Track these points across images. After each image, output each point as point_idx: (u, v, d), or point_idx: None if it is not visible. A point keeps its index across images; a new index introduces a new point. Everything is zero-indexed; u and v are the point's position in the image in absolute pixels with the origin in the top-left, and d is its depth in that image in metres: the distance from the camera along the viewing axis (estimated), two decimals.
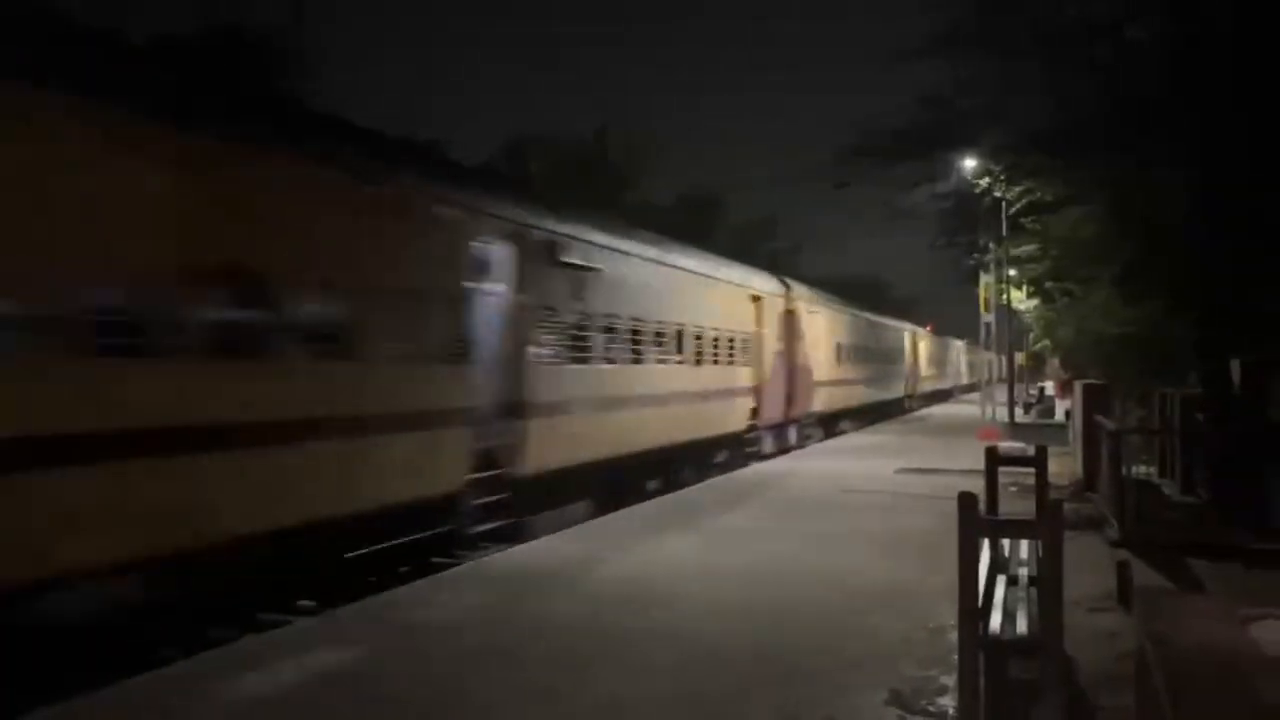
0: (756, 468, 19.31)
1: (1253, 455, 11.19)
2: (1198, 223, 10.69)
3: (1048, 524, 5.14)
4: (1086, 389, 16.98)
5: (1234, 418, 12.01)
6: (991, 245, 25.88)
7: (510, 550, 10.48)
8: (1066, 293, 20.59)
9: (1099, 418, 14.05)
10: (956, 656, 5.20)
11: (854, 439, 26.86)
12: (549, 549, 10.52)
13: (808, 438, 26.03)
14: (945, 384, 61.45)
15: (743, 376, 20.88)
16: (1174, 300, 12.66)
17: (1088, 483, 14.58)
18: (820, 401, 27.37)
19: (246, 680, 6.17)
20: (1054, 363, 40.31)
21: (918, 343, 49.03)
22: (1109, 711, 5.50)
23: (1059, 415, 29.27)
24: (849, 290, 42.81)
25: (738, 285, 21.17)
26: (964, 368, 74.03)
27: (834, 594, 8.40)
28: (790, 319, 24.37)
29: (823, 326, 27.95)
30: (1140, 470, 13.82)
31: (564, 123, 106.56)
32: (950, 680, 5.67)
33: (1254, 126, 9.09)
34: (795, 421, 24.90)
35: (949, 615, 5.54)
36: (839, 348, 30.03)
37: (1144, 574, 8.77)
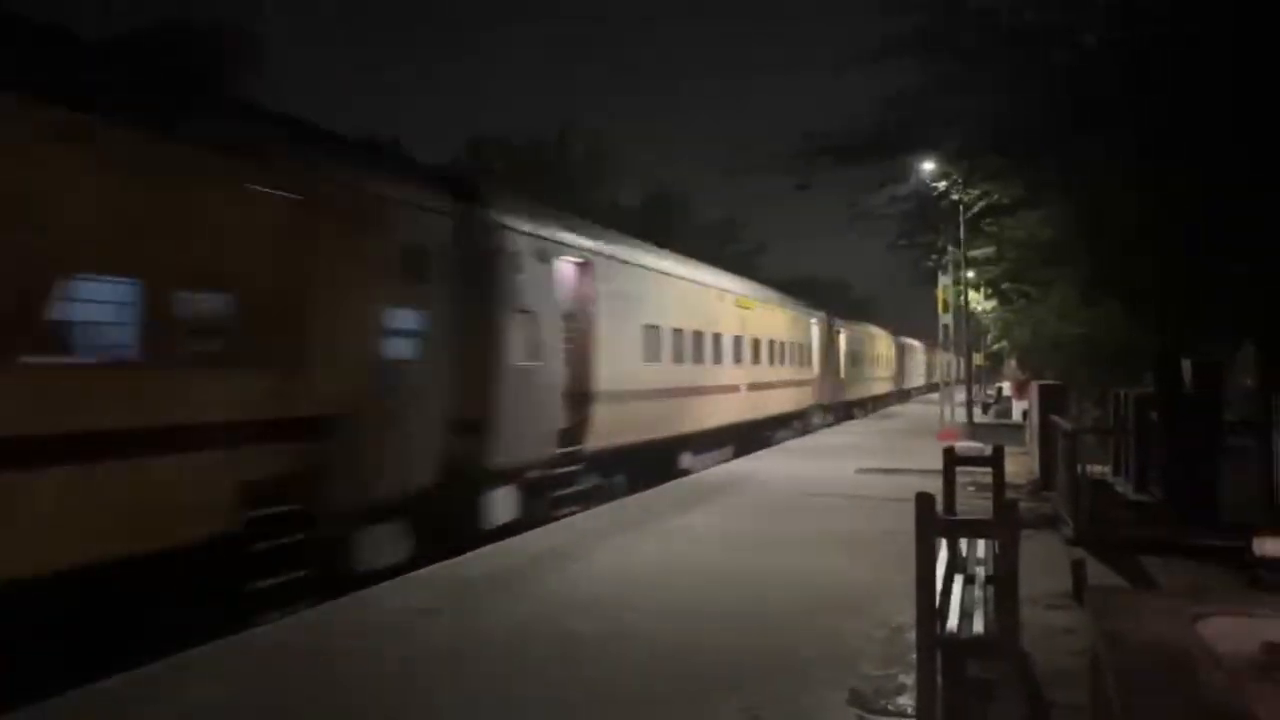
0: (725, 468, 19.29)
1: (1204, 454, 11.40)
2: (1160, 224, 10.87)
3: (1004, 524, 5.21)
4: (1042, 389, 17.23)
5: (1186, 417, 12.22)
6: (950, 247, 26.11)
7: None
8: (1023, 294, 20.82)
9: (1054, 418, 14.24)
10: (915, 656, 5.25)
11: (821, 439, 26.97)
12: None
13: (569, 507, 13.57)
14: (886, 388, 49.79)
15: (231, 400, 8.06)
16: (1133, 301, 12.85)
17: (1044, 482, 14.78)
18: (603, 431, 14.79)
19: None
20: (1011, 363, 40.51)
21: (837, 336, 36.27)
22: (1064, 708, 5.57)
23: (1016, 415, 29.66)
24: (809, 291, 41.76)
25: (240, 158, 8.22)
26: (921, 369, 72.58)
27: (794, 595, 8.44)
28: (491, 267, 11.96)
29: (614, 295, 15.52)
30: (1095, 469, 14.04)
31: (529, 123, 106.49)
32: (909, 679, 5.72)
33: (1253, 131, 9.21)
34: (515, 477, 12.40)
35: (908, 614, 5.58)
36: (658, 336, 17.65)
37: (1099, 572, 8.90)
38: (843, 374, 37.41)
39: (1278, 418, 7.80)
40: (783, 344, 27.64)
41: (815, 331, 32.55)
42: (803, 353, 30.43)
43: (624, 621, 7.57)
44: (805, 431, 29.29)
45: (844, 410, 37.43)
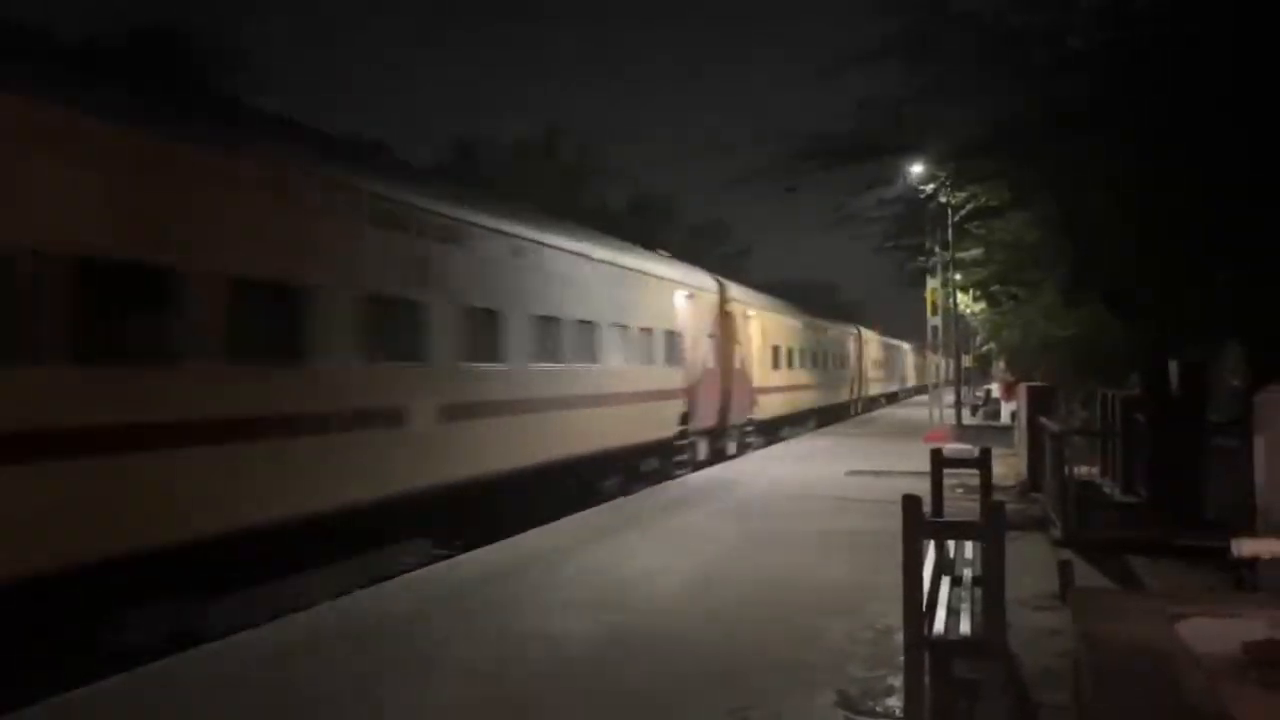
0: (707, 473, 19.34)
1: (1190, 455, 11.46)
2: (1132, 225, 10.95)
3: (989, 526, 5.24)
4: (1031, 391, 17.29)
5: (1172, 418, 12.28)
6: (937, 249, 26.21)
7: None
8: (1011, 296, 20.91)
9: (1042, 419, 14.30)
10: (903, 657, 5.28)
11: (809, 443, 26.97)
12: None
13: None
14: (843, 396, 39.32)
15: None
16: (1120, 302, 12.93)
17: (1032, 483, 14.83)
18: None
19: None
20: (1000, 365, 40.52)
21: (747, 322, 24.76)
22: (1050, 709, 5.61)
23: (1005, 417, 29.77)
24: (797, 294, 40.69)
25: None
26: (899, 371, 71.11)
27: (783, 596, 8.47)
28: None
29: None
30: (1083, 471, 14.10)
31: (517, 124, 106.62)
32: (897, 681, 5.75)
33: (1251, 131, 9.26)
34: None
35: (896, 616, 5.61)
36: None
37: (1086, 573, 8.94)
38: (758, 378, 25.47)
39: (1258, 417, 7.86)
40: (592, 328, 15.33)
41: (686, 310, 19.93)
42: (653, 344, 18.07)
43: (611, 621, 7.59)
44: (665, 476, 18.09)
45: (764, 430, 26.25)
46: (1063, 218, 13.20)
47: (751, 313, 25.27)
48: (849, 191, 17.31)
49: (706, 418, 20.92)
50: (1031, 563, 9.24)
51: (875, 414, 43.36)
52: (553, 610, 8.08)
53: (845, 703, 5.77)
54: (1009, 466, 16.93)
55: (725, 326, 22.69)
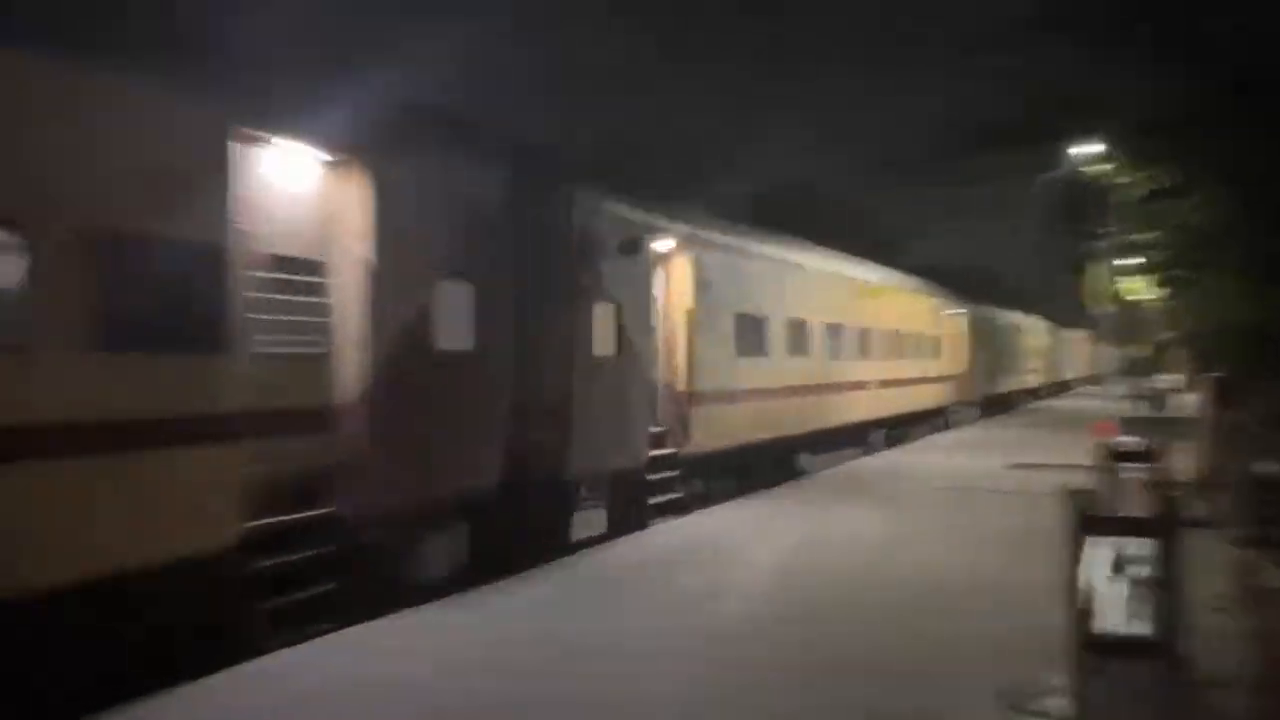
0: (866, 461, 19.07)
1: None
2: None
3: (1164, 523, 5.06)
4: (1212, 382, 16.44)
5: None
6: (1111, 232, 25.10)
7: None
8: (1192, 281, 19.86)
9: (1225, 412, 13.58)
10: (1068, 656, 5.16)
11: (964, 434, 26.30)
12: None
13: None
14: (929, 398, 27.30)
15: None
16: None
17: (1211, 479, 14.10)
18: None
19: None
20: (1178, 355, 38.25)
21: (645, 264, 12.47)
22: (1223, 713, 5.38)
23: (1182, 409, 28.34)
24: (957, 280, 36.36)
25: None
26: (1078, 359, 66.50)
27: (944, 591, 8.35)
28: None
29: None
30: (1268, 466, 13.29)
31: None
32: (1062, 680, 5.61)
33: None
34: None
35: (1061, 614, 5.48)
36: None
37: (1270, 575, 8.47)
38: (692, 377, 13.75)
39: None
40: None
41: (342, 207, 7.86)
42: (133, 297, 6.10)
43: (765, 611, 7.65)
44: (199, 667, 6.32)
45: (744, 465, 15.23)
46: (1246, 195, 12.52)
47: (664, 247, 13.33)
48: (1013, 177, 16.84)
49: (451, 475, 9.07)
50: (1208, 562, 8.78)
51: (1039, 405, 41.69)
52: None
53: (1007, 701, 5.67)
54: (1185, 460, 16.12)
55: (555, 262, 10.69)
